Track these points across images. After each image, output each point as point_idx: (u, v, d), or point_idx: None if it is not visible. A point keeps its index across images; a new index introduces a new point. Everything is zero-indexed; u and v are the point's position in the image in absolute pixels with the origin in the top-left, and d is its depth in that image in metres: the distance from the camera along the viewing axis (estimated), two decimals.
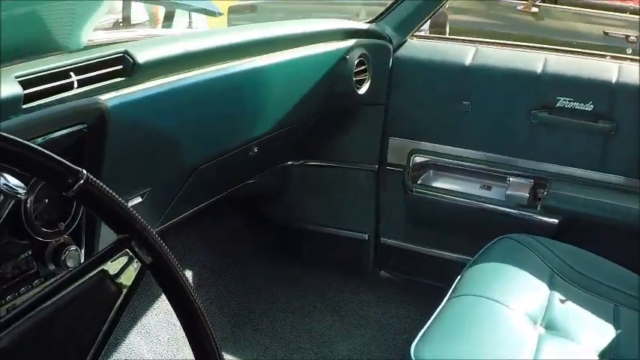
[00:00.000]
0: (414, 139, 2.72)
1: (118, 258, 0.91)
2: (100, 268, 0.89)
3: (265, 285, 2.94)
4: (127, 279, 0.91)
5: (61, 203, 1.47)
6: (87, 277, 0.88)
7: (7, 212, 1.02)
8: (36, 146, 0.83)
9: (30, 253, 1.48)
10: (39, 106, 1.39)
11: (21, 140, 0.82)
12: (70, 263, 1.51)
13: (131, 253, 0.91)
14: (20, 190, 1.02)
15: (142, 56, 1.64)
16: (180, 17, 3.59)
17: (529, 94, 2.51)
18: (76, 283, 0.87)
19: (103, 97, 1.54)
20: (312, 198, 2.99)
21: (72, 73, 1.49)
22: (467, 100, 2.60)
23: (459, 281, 2.06)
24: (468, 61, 2.58)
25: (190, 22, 3.69)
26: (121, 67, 1.61)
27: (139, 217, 0.91)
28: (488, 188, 2.69)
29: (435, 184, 2.75)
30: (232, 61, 1.95)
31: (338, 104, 2.57)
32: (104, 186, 0.88)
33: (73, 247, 1.51)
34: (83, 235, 1.57)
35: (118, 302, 0.90)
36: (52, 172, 0.85)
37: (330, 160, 2.87)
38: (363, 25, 2.61)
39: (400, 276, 2.95)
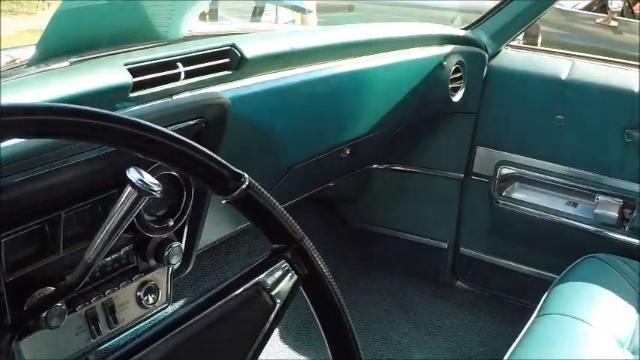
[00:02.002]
0: (502, 150, 2.63)
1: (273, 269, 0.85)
2: (256, 280, 0.84)
3: (340, 287, 2.85)
4: (282, 291, 0.86)
5: (170, 199, 1.41)
6: (243, 289, 0.83)
7: (138, 211, 0.96)
8: (201, 147, 0.78)
9: (131, 246, 1.43)
10: (145, 96, 1.35)
11: (185, 139, 0.76)
12: (173, 260, 1.45)
13: (287, 265, 0.86)
14: (156, 188, 0.95)
15: (250, 50, 1.58)
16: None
17: (624, 112, 2.40)
18: (233, 294, 0.82)
19: (217, 90, 1.50)
20: (393, 203, 2.92)
21: (179, 64, 1.44)
22: (560, 115, 2.49)
23: (546, 299, 2.02)
24: (564, 75, 2.48)
25: (277, 18, 3.65)
26: (227, 60, 1.56)
27: (298, 227, 0.85)
28: (574, 205, 2.58)
29: (520, 197, 2.65)
30: (336, 61, 1.88)
31: (431, 110, 2.48)
32: (266, 193, 0.82)
33: (177, 244, 1.45)
34: (185, 231, 1.52)
35: (273, 315, 0.85)
36: (215, 175, 0.80)
37: (415, 165, 2.79)
38: (459, 32, 2.52)
39: (477, 287, 2.86)
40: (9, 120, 0.66)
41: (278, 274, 0.86)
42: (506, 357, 1.80)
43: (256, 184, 0.83)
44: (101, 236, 0.97)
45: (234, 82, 1.58)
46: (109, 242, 0.98)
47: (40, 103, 0.69)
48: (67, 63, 1.44)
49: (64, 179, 1.20)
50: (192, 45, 1.54)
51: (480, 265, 2.79)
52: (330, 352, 0.94)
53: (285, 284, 0.87)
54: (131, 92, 1.32)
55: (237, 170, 0.82)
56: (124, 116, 0.73)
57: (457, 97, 2.44)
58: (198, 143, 1.39)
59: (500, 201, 2.63)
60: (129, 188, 0.95)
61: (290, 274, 0.87)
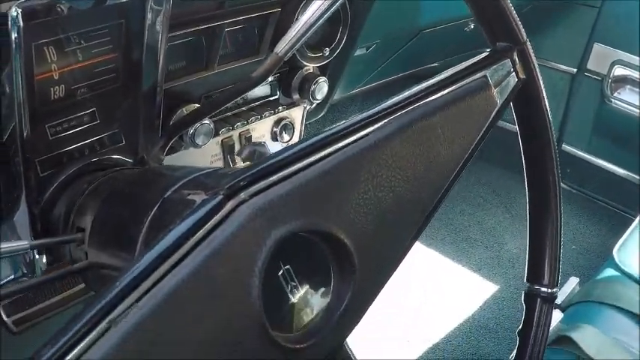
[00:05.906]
0: (620, 49, 2.46)
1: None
2: (483, 73, 0.76)
3: None
4: (503, 91, 0.79)
5: (328, 26, 1.32)
6: (472, 79, 0.75)
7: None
8: None
9: (276, 77, 1.34)
10: None
11: None
12: (318, 95, 1.36)
13: (510, 65, 0.79)
14: None
15: None
16: None
17: None
18: (458, 85, 0.74)
19: None
20: None
21: None
22: None
23: None
24: None
25: None
26: None
27: (524, 29, 0.77)
28: None
29: (630, 100, 2.50)
30: None
31: None
32: None
33: (323, 79, 1.35)
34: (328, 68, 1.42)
35: (494, 112, 0.77)
36: None
37: None
38: None
39: (574, 187, 2.74)
40: None
41: (501, 72, 0.79)
42: (615, 252, 1.73)
43: None
44: (297, 28, 0.88)
45: None
46: (304, 36, 0.89)
47: None
48: None
49: None
50: None
51: (580, 164, 2.66)
52: (525, 169, 0.91)
53: (506, 84, 0.79)
54: None
55: None
56: None
57: None
58: None
59: (613, 101, 2.48)
60: None
61: (512, 74, 0.80)
